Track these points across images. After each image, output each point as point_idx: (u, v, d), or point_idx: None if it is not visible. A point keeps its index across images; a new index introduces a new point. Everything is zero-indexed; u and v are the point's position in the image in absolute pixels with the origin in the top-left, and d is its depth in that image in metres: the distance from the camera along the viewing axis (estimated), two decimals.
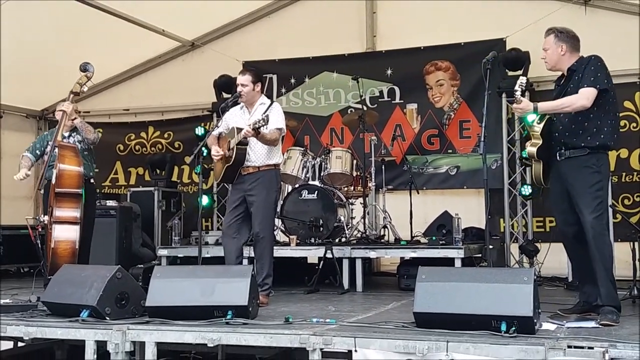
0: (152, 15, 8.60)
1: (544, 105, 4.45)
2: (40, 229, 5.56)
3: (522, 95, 4.43)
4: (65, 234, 5.43)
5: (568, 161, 4.45)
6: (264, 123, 5.16)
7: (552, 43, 4.56)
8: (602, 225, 4.36)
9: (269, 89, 9.33)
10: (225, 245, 5.64)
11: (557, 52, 4.55)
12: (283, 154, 7.52)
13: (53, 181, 5.56)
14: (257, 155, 5.51)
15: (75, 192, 5.55)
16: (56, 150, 5.66)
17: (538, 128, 4.48)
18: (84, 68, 5.91)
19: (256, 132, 5.20)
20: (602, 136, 4.40)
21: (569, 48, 4.53)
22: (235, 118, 5.64)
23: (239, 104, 5.68)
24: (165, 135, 10.06)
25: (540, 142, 4.47)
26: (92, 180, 6.10)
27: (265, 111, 5.36)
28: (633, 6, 7.72)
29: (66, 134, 6.06)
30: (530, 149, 4.51)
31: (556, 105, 4.43)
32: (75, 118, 5.97)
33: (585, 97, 4.33)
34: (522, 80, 4.41)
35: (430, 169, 8.66)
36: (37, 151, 6.14)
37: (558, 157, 4.50)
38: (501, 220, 8.08)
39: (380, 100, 8.91)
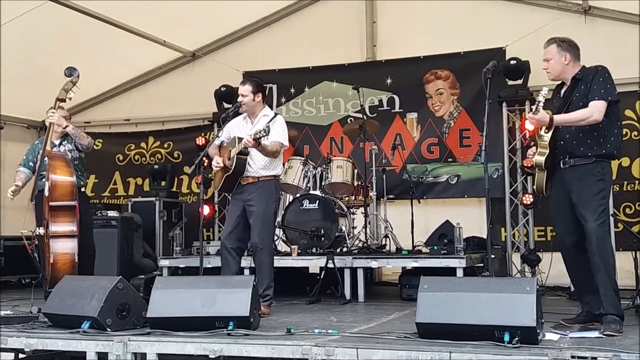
0: (153, 26, 8.64)
1: (559, 118, 4.40)
2: (36, 242, 5.51)
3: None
4: (63, 248, 5.37)
5: (573, 169, 4.43)
6: (264, 134, 5.16)
7: (555, 53, 4.53)
8: (605, 233, 4.35)
9: (268, 99, 9.33)
10: (224, 262, 5.57)
11: (560, 62, 4.52)
12: (284, 164, 7.54)
13: (46, 193, 5.48)
14: (258, 165, 5.51)
15: (69, 205, 5.50)
16: (46, 160, 5.58)
17: (547, 137, 4.43)
18: (69, 73, 5.79)
19: (257, 142, 5.20)
20: (608, 145, 4.40)
21: (572, 57, 4.52)
22: (238, 128, 5.64)
23: (240, 113, 5.69)
24: (165, 145, 10.07)
25: (547, 151, 4.44)
26: (83, 189, 6.03)
27: (268, 123, 5.35)
28: (633, 15, 7.73)
29: (57, 142, 5.99)
30: (538, 158, 4.47)
31: (571, 119, 4.38)
32: (66, 126, 5.87)
33: (598, 110, 4.31)
34: (545, 90, 4.34)
35: (430, 178, 8.66)
36: (31, 163, 6.06)
37: (562, 165, 4.48)
38: (502, 229, 8.07)
39: (379, 109, 8.92)
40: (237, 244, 5.57)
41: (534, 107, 4.36)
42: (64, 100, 5.84)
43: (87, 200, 6.22)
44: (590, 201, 4.33)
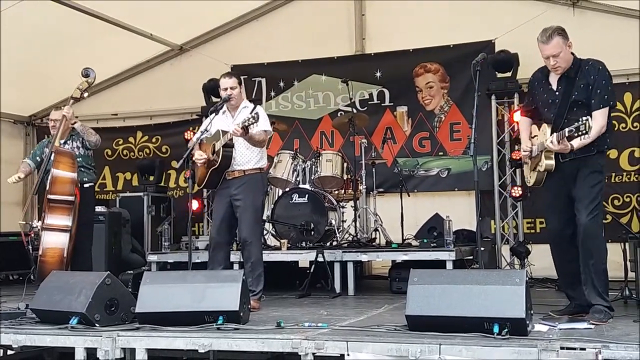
0: (140, 20, 8.57)
1: (577, 144, 4.21)
2: (32, 235, 5.53)
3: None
4: (53, 242, 5.41)
5: (573, 162, 4.37)
6: (254, 121, 5.07)
7: (562, 44, 4.34)
8: (597, 225, 4.33)
9: (258, 93, 9.32)
10: (213, 257, 5.53)
11: (568, 53, 4.37)
12: (273, 158, 7.52)
13: (47, 186, 5.55)
14: (243, 158, 5.45)
15: (67, 200, 5.53)
16: (53, 155, 5.65)
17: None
18: (86, 73, 5.90)
19: (245, 130, 5.13)
20: (607, 139, 4.38)
21: (571, 44, 4.40)
22: (218, 122, 5.52)
23: (221, 108, 5.57)
24: (153, 140, 10.02)
25: (553, 153, 4.38)
26: (86, 185, 6.03)
27: (252, 112, 5.26)
28: (621, 8, 7.76)
29: (62, 141, 6.00)
30: (549, 162, 4.39)
31: (587, 142, 4.20)
32: (75, 122, 5.92)
33: (605, 120, 4.27)
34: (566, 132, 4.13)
35: (421, 172, 8.67)
36: (37, 158, 6.13)
37: (561, 159, 4.40)
38: (492, 221, 8.09)
39: (369, 102, 8.91)
40: (225, 238, 5.55)
41: (555, 138, 4.18)
42: (78, 100, 5.92)
43: (91, 197, 6.18)
44: (587, 194, 4.30)
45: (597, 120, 4.24)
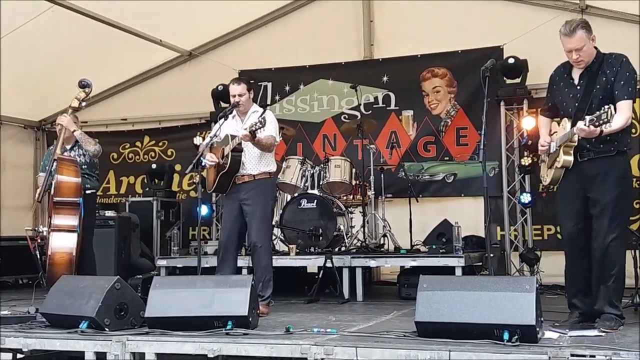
0: (149, 26, 8.61)
1: (607, 131, 4.00)
2: (39, 240, 5.57)
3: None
4: (62, 243, 5.44)
5: (593, 162, 4.23)
6: (261, 126, 5.11)
7: (586, 38, 4.22)
8: (620, 233, 4.21)
9: (263, 97, 9.34)
10: (222, 262, 5.55)
11: (591, 47, 4.26)
12: (281, 163, 7.53)
13: (52, 192, 5.59)
14: (252, 163, 5.48)
15: (73, 201, 5.56)
16: (55, 163, 5.69)
17: (576, 137, 4.20)
18: (83, 84, 5.93)
19: (253, 135, 5.16)
20: (627, 139, 4.29)
21: (594, 38, 4.29)
22: (227, 127, 5.58)
23: (230, 113, 5.62)
24: (160, 144, 10.04)
25: (572, 149, 4.25)
26: (88, 192, 6.06)
27: (260, 117, 5.29)
28: (630, 15, 7.74)
29: (68, 147, 6.08)
30: (567, 158, 4.25)
31: (615, 129, 4.03)
32: (74, 130, 5.96)
33: (629, 111, 4.14)
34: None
35: (426, 176, 8.64)
36: (47, 167, 6.15)
37: (579, 158, 4.27)
38: (498, 228, 8.06)
39: (374, 106, 8.89)
40: (234, 243, 5.56)
41: (586, 122, 3.97)
42: (77, 109, 5.99)
43: (93, 203, 6.20)
44: (610, 203, 4.16)
45: (622, 111, 4.11)
